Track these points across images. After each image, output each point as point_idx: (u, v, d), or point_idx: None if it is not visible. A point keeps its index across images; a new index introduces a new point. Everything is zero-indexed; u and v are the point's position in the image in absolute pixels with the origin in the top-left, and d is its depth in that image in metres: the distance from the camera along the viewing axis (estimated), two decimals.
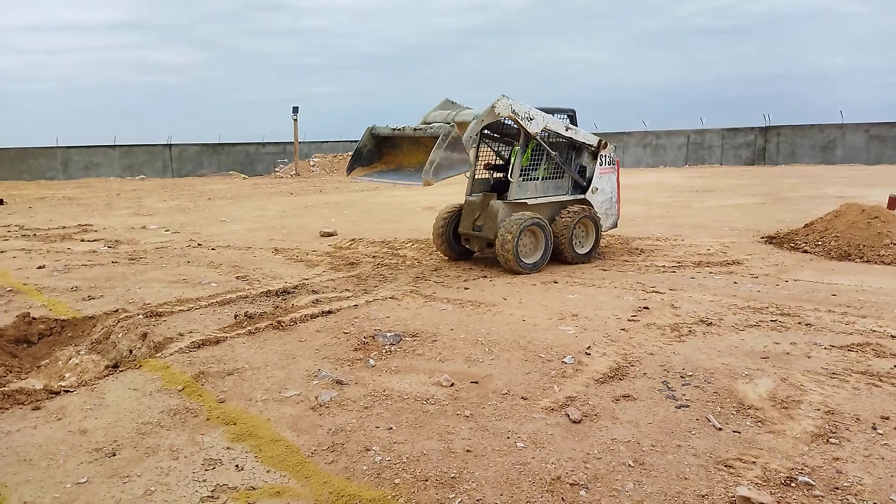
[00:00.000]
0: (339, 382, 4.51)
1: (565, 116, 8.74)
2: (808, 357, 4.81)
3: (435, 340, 5.38)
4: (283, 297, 7.04)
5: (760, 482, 3.10)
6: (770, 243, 9.92)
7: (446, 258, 9.08)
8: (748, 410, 3.92)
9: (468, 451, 3.50)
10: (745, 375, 4.44)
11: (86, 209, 18.66)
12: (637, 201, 16.66)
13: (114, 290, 7.56)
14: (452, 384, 4.43)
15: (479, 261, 9.06)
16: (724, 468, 3.25)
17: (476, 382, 4.48)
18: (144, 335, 5.70)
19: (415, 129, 7.65)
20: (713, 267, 8.21)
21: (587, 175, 8.94)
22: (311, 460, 3.45)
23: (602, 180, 9.01)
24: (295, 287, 7.51)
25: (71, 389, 4.53)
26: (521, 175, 8.27)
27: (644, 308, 6.23)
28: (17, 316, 6.36)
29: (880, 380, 4.33)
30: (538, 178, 8.50)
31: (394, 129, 7.93)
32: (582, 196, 8.82)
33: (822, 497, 2.97)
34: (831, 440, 3.52)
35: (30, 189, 27.62)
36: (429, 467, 3.33)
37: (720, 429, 3.69)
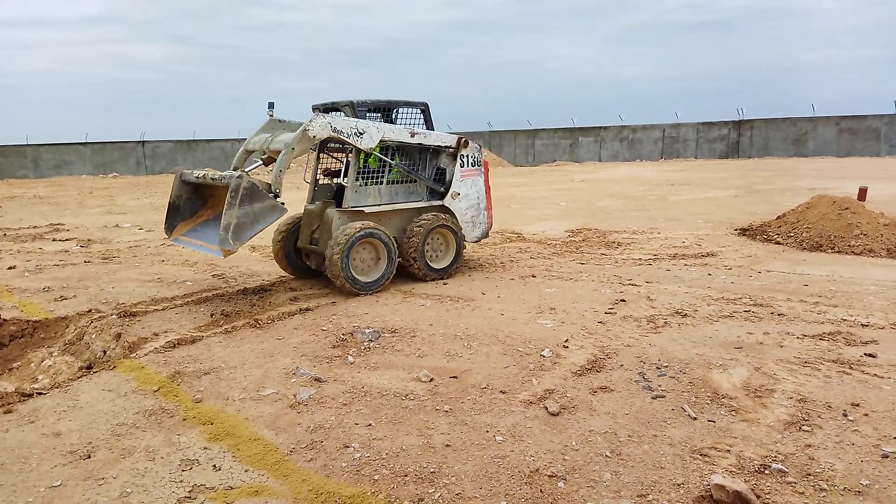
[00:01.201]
0: (317, 380, 4.49)
1: (418, 111, 7.65)
2: (781, 346, 4.89)
3: (414, 336, 5.37)
4: (261, 294, 6.99)
5: (735, 470, 3.15)
6: (743, 235, 10.07)
7: (290, 276, 7.85)
8: (722, 400, 3.98)
9: (447, 445, 3.51)
10: (719, 365, 4.51)
11: (57, 208, 18.30)
12: (614, 195, 16.81)
13: (87, 290, 7.44)
14: (431, 379, 4.44)
15: None
16: (700, 457, 3.30)
17: (455, 377, 4.48)
18: (118, 335, 5.61)
19: (213, 178, 6.58)
20: (688, 259, 8.32)
21: (447, 179, 7.75)
22: (289, 458, 3.43)
23: (465, 184, 7.79)
24: (272, 284, 7.45)
25: (44, 392, 4.45)
26: (359, 179, 7.11)
27: (621, 301, 6.29)
28: None
29: (851, 368, 4.43)
30: (381, 183, 7.29)
31: (198, 177, 6.83)
32: (440, 203, 7.64)
33: (795, 483, 3.03)
34: (804, 427, 3.59)
35: (0, 188, 27.03)
36: (408, 463, 3.33)
37: (695, 418, 3.74)
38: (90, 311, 6.47)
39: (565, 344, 5.04)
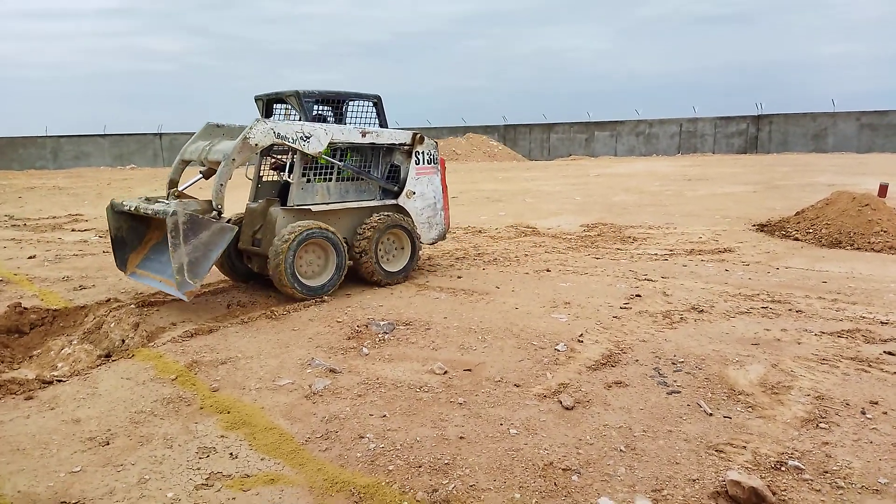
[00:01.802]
0: (332, 371, 4.52)
1: (370, 103, 7.16)
2: (799, 343, 4.85)
3: (428, 329, 5.39)
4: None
5: (751, 466, 3.13)
6: (761, 231, 9.98)
7: (232, 282, 7.24)
8: (739, 396, 3.95)
9: (461, 437, 3.52)
10: (735, 362, 4.48)
11: (76, 199, 18.53)
12: (630, 190, 16.70)
13: (105, 280, 7.53)
14: (446, 372, 4.45)
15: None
16: (715, 453, 3.28)
17: (469, 370, 4.49)
18: (137, 325, 5.68)
19: (146, 211, 5.91)
20: (705, 255, 8.25)
21: (401, 177, 7.33)
22: (304, 448, 3.46)
23: (421, 183, 7.37)
24: None
25: (63, 379, 4.52)
26: (306, 175, 6.62)
27: (636, 296, 6.26)
28: (8, 306, 6.32)
29: (869, 365, 4.38)
30: (331, 180, 6.80)
31: (129, 208, 6.16)
32: (394, 202, 7.20)
33: (812, 480, 3.01)
34: (821, 425, 3.56)
35: (19, 178, 27.41)
36: (422, 454, 3.35)
37: (711, 414, 3.72)
38: (109, 300, 6.56)
39: (580, 338, 5.03)
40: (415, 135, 7.25)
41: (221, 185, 5.81)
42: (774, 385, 4.09)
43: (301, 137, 6.27)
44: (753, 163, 26.10)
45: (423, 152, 7.40)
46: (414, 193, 7.33)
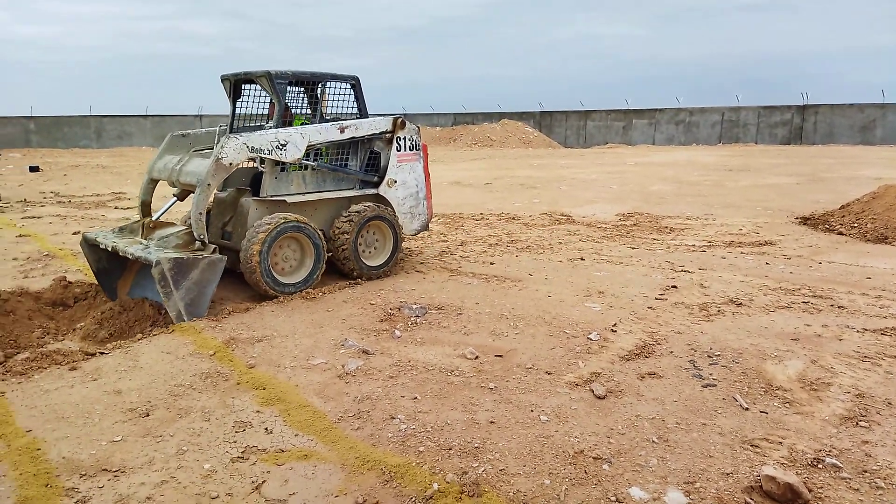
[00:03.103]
0: (365, 352, 4.57)
1: (348, 85, 6.71)
2: (840, 340, 4.72)
3: (460, 314, 5.40)
4: None
5: (787, 462, 3.07)
6: (804, 224, 9.71)
7: None
8: (776, 391, 3.88)
9: (492, 422, 3.53)
10: (774, 356, 4.39)
11: (119, 178, 19.00)
12: (668, 179, 16.42)
13: None
14: (477, 357, 4.46)
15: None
16: (750, 447, 3.23)
17: (500, 356, 4.50)
18: None
19: (124, 252, 5.60)
20: (745, 247, 8.08)
21: (381, 165, 6.88)
22: (337, 426, 3.51)
23: (402, 171, 6.93)
24: None
25: (106, 351, 4.66)
26: (279, 164, 6.17)
27: (672, 287, 6.17)
28: (53, 280, 6.53)
29: None
30: (306, 169, 6.39)
31: (104, 246, 5.87)
32: (374, 191, 6.79)
33: (850, 479, 2.94)
34: (861, 423, 3.47)
35: (64, 157, 28.20)
36: (452, 437, 3.37)
37: (747, 409, 3.66)
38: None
39: (613, 328, 4.99)
40: (395, 119, 6.82)
41: (200, 213, 5.49)
42: (813, 381, 4.00)
43: (277, 146, 5.87)
44: (797, 154, 25.38)
45: (404, 138, 6.92)
46: (395, 182, 6.89)
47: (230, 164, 5.62)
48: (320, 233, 6.12)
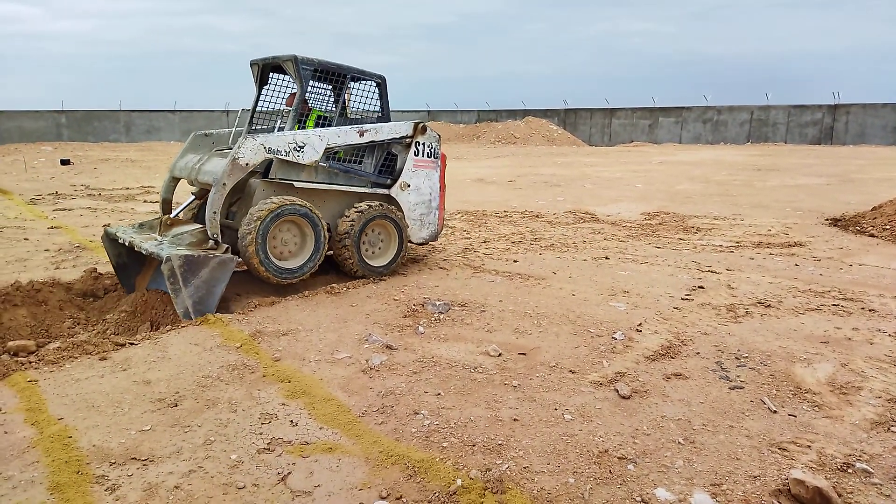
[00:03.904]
0: (388, 347, 4.59)
1: (373, 83, 6.64)
2: (871, 343, 4.63)
3: (483, 311, 5.40)
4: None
5: (816, 466, 3.02)
6: (835, 226, 9.53)
7: None
8: (805, 395, 3.81)
9: (515, 420, 3.52)
10: (803, 359, 4.32)
11: (148, 171, 19.30)
12: (695, 178, 16.22)
13: None
14: (500, 354, 4.45)
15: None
16: (778, 451, 3.18)
17: (524, 354, 4.48)
18: None
19: (139, 248, 5.67)
20: (774, 248, 7.95)
21: (397, 166, 6.73)
22: (361, 420, 3.54)
23: (417, 176, 6.78)
24: None
25: (135, 342, 4.74)
26: (293, 145, 5.97)
27: (699, 287, 6.10)
28: (84, 271, 6.68)
29: None
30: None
31: (123, 241, 5.93)
32: (386, 192, 6.63)
33: (881, 485, 2.89)
34: (892, 428, 3.40)
35: (95, 150, 28.72)
36: (476, 433, 3.37)
37: (775, 412, 3.60)
38: None
39: (638, 328, 4.94)
40: (416, 124, 6.67)
41: (215, 212, 5.49)
42: (843, 385, 3.92)
43: (294, 148, 5.84)
44: (828, 154, 24.88)
45: (423, 143, 6.78)
46: (409, 186, 6.72)
47: (246, 164, 5.60)
48: (320, 216, 5.97)
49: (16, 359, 4.52)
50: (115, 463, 3.10)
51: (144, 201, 12.63)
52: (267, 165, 6.06)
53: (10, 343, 4.89)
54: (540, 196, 13.19)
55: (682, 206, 11.58)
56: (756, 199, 12.31)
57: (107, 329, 5.41)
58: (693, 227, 9.40)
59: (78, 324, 5.69)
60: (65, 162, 21.92)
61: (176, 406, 3.70)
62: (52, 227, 9.57)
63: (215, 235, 5.52)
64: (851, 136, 32.13)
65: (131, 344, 4.71)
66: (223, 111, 37.15)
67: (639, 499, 2.79)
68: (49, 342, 5.20)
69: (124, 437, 3.35)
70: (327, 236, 6.03)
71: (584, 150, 32.26)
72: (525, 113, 40.90)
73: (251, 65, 6.59)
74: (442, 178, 7.06)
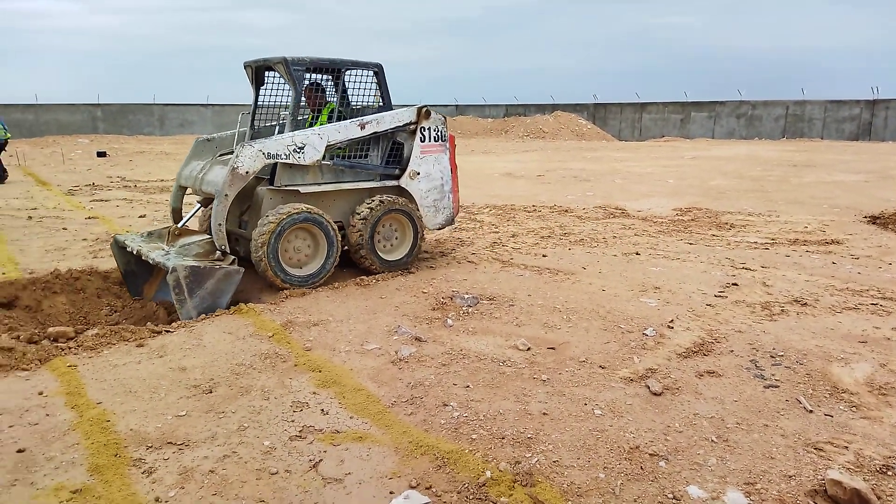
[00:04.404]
0: (417, 339, 4.61)
1: (370, 73, 6.48)
2: None
3: (512, 305, 5.38)
4: None
5: (853, 468, 2.96)
6: (873, 223, 9.27)
7: None
8: (842, 395, 3.73)
9: (545, 413, 3.52)
10: (840, 359, 4.22)
11: (181, 164, 19.60)
12: (728, 174, 15.93)
13: None
14: (529, 348, 4.44)
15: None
16: (814, 451, 3.12)
17: (553, 348, 4.47)
18: None
19: (145, 258, 5.69)
20: (810, 245, 7.78)
21: (404, 155, 6.60)
22: (390, 411, 3.56)
23: (426, 163, 6.63)
24: None
25: (171, 329, 4.84)
26: (293, 147, 5.89)
27: (733, 284, 6.00)
28: None
29: None
30: (324, 158, 6.11)
31: (131, 250, 5.93)
32: (395, 183, 6.53)
33: None
34: None
35: (130, 143, 29.30)
36: (505, 426, 3.37)
37: (811, 411, 3.54)
38: None
39: (670, 324, 4.89)
40: (420, 109, 6.51)
41: (220, 224, 5.44)
42: (882, 386, 3.83)
43: (294, 150, 5.76)
44: (866, 150, 24.22)
45: (429, 128, 6.60)
46: (418, 174, 6.58)
47: (246, 172, 5.53)
48: (333, 223, 5.95)
49: (56, 344, 4.64)
50: (151, 447, 3.17)
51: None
52: (272, 172, 6.00)
53: (51, 329, 5.02)
54: (569, 191, 13.10)
55: (716, 201, 11.39)
56: (792, 196, 12.05)
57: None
58: (727, 224, 9.24)
59: (115, 311, 5.82)
60: (101, 154, 22.41)
61: (211, 392, 3.77)
62: (89, 218, 9.80)
63: (222, 246, 5.50)
64: (891, 132, 31.21)
65: (167, 331, 4.80)
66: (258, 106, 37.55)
67: (671, 496, 2.77)
68: (88, 328, 5.33)
69: (161, 421, 3.43)
70: (339, 236, 5.99)
71: (613, 144, 31.91)
72: (554, 107, 40.56)
73: (245, 67, 6.56)
74: (452, 159, 6.92)
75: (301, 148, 5.79)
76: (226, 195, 5.46)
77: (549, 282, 6.12)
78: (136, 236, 6.28)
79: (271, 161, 5.70)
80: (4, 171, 14.28)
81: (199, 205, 6.37)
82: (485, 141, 33.13)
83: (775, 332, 4.72)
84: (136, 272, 6.22)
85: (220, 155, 6.50)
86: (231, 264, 5.42)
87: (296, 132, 5.83)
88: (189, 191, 6.65)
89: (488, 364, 4.19)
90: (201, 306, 5.20)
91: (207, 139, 6.56)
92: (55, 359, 4.26)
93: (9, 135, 14.44)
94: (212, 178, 5.94)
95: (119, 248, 6.16)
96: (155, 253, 5.66)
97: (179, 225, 6.25)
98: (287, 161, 5.76)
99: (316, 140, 5.86)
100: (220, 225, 5.44)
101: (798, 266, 6.76)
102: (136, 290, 6.22)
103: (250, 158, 5.53)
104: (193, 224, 6.84)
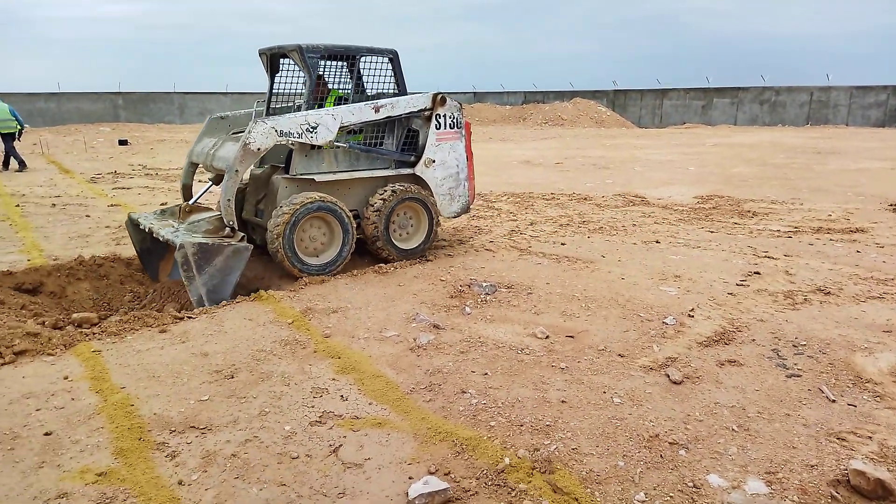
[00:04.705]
0: (436, 326, 4.62)
1: (385, 59, 6.44)
2: None
3: (530, 293, 5.37)
4: None
5: (876, 458, 2.92)
6: None
7: None
8: (866, 384, 3.68)
9: (563, 401, 3.51)
10: (864, 348, 4.16)
11: None
12: (751, 161, 15.70)
13: None
14: (547, 337, 4.43)
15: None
16: (837, 440, 3.09)
17: (571, 337, 4.45)
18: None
19: (157, 235, 5.73)
20: (834, 234, 7.65)
21: (419, 143, 6.57)
22: (409, 397, 3.58)
23: (441, 150, 6.61)
24: None
25: (193, 315, 4.90)
26: (306, 126, 5.85)
27: (755, 273, 5.92)
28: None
29: None
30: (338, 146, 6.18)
31: (143, 226, 6.01)
32: (410, 171, 6.52)
33: None
34: None
35: (151, 132, 29.56)
36: (524, 413, 3.38)
37: (834, 401, 3.49)
38: None
39: (691, 313, 4.84)
40: (435, 96, 6.47)
41: (229, 200, 5.41)
42: None
43: (307, 129, 5.70)
44: (893, 137, 23.71)
45: (444, 115, 6.57)
46: (433, 162, 6.57)
47: (258, 149, 5.49)
48: (348, 212, 5.97)
49: (80, 330, 4.72)
50: (174, 431, 3.22)
51: (199, 181, 12.94)
52: (288, 160, 6.02)
53: (75, 315, 5.11)
54: (588, 178, 12.99)
55: (738, 189, 11.23)
56: (816, 183, 11.84)
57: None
58: (749, 212, 9.11)
59: (138, 297, 5.91)
60: (122, 142, 22.65)
61: (232, 378, 3.81)
62: (111, 205, 9.93)
63: (231, 223, 5.49)
64: None
65: (189, 317, 4.86)
66: (273, 93, 37.67)
67: (691, 484, 2.76)
68: (111, 314, 5.42)
69: (183, 406, 3.48)
70: (355, 225, 6.02)
71: (633, 131, 31.57)
72: (572, 94, 40.16)
73: (259, 54, 6.56)
74: (468, 147, 6.89)
75: (314, 128, 5.72)
76: (236, 171, 5.42)
77: (568, 270, 6.09)
78: (149, 214, 6.35)
79: (283, 139, 5.64)
80: (23, 160, 14.52)
81: (210, 182, 6.40)
82: (503, 128, 32.95)
83: (798, 322, 4.66)
84: (151, 250, 6.28)
85: (233, 133, 6.50)
86: (240, 241, 5.42)
87: (309, 112, 5.81)
88: (200, 168, 6.69)
89: (506, 352, 4.19)
90: (210, 283, 5.20)
91: (221, 117, 6.55)
92: (80, 344, 4.34)
93: (20, 126, 14.58)
94: (223, 154, 5.92)
95: (133, 225, 6.23)
96: (165, 230, 5.67)
97: (191, 202, 6.31)
98: (300, 140, 5.71)
99: (329, 120, 5.80)
100: (229, 201, 5.42)
101: (822, 254, 6.66)
102: (153, 269, 6.32)
103: (262, 135, 5.49)
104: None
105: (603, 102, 38.78)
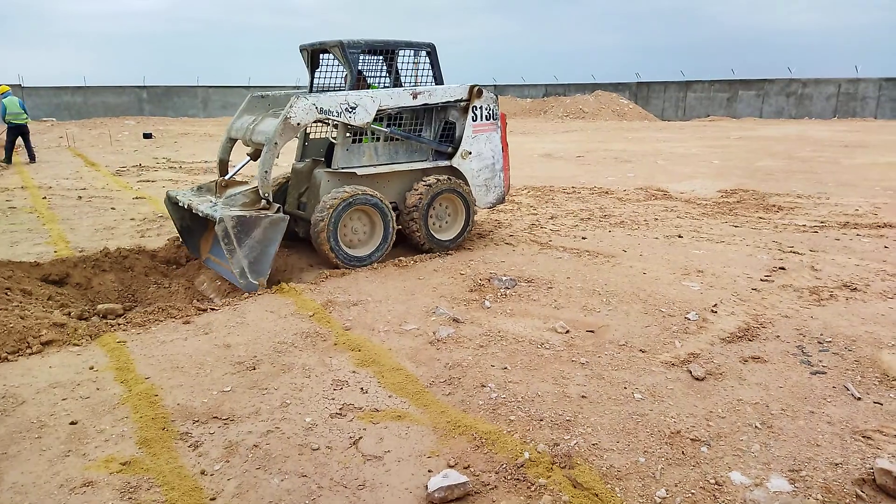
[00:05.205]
0: (455, 320, 4.62)
1: (423, 53, 6.57)
2: None
3: (550, 287, 5.35)
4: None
5: None
6: None
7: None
8: (893, 382, 3.62)
9: (583, 396, 3.50)
10: (891, 346, 4.08)
11: None
12: (776, 155, 15.45)
13: None
14: (568, 331, 4.41)
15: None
16: (862, 439, 3.04)
17: (592, 331, 4.43)
18: None
19: (196, 211, 5.78)
20: (861, 229, 7.50)
21: (456, 135, 6.66)
22: (429, 390, 3.59)
23: (478, 142, 6.71)
24: None
25: (216, 307, 4.96)
26: (350, 135, 6.19)
27: (780, 268, 5.83)
28: (168, 240, 7.01)
29: None
30: (378, 140, 6.27)
31: (181, 203, 6.14)
32: (448, 163, 6.61)
33: None
34: None
35: (174, 125, 29.89)
36: (543, 408, 3.37)
37: (859, 398, 3.43)
38: None
39: (714, 308, 4.79)
40: (472, 87, 6.55)
41: (266, 171, 5.51)
42: None
43: (346, 109, 5.78)
44: None
45: (481, 107, 6.67)
46: (470, 154, 6.67)
47: (298, 123, 5.59)
48: (389, 205, 6.08)
49: (105, 321, 4.81)
50: (197, 421, 3.26)
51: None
52: (328, 154, 6.08)
53: (100, 306, 5.20)
54: (609, 172, 12.88)
55: (763, 183, 11.06)
56: (843, 178, 11.62)
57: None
58: (774, 206, 8.97)
59: (162, 289, 5.99)
60: (147, 136, 22.94)
61: (254, 369, 3.86)
62: (136, 198, 10.07)
63: (266, 195, 5.57)
64: None
65: (212, 309, 4.92)
66: (295, 87, 37.89)
67: (713, 481, 2.73)
68: (135, 306, 5.51)
69: (206, 396, 3.53)
70: (395, 225, 6.13)
71: (656, 124, 31.22)
72: (594, 87, 39.81)
73: (301, 50, 6.66)
74: (504, 137, 6.96)
75: (353, 108, 5.81)
76: (275, 143, 5.52)
77: (589, 264, 6.05)
78: (187, 191, 6.48)
79: (323, 116, 5.74)
80: (33, 153, 14.90)
81: (248, 157, 6.49)
82: (524, 121, 32.78)
83: (823, 318, 4.59)
84: (191, 227, 6.45)
85: (273, 111, 6.59)
86: (276, 212, 5.50)
87: (349, 92, 5.89)
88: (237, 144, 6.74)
89: (526, 346, 4.18)
90: (251, 255, 5.31)
91: (262, 96, 6.63)
92: (105, 335, 4.41)
93: (28, 119, 14.84)
94: (263, 128, 6.01)
95: (172, 203, 6.36)
96: (203, 205, 5.76)
97: (227, 177, 6.40)
98: (338, 119, 5.79)
99: (368, 102, 5.89)
100: (266, 172, 5.51)
101: (848, 250, 6.53)
102: (194, 246, 6.47)
103: (303, 110, 5.58)
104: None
105: (625, 95, 38.37)
